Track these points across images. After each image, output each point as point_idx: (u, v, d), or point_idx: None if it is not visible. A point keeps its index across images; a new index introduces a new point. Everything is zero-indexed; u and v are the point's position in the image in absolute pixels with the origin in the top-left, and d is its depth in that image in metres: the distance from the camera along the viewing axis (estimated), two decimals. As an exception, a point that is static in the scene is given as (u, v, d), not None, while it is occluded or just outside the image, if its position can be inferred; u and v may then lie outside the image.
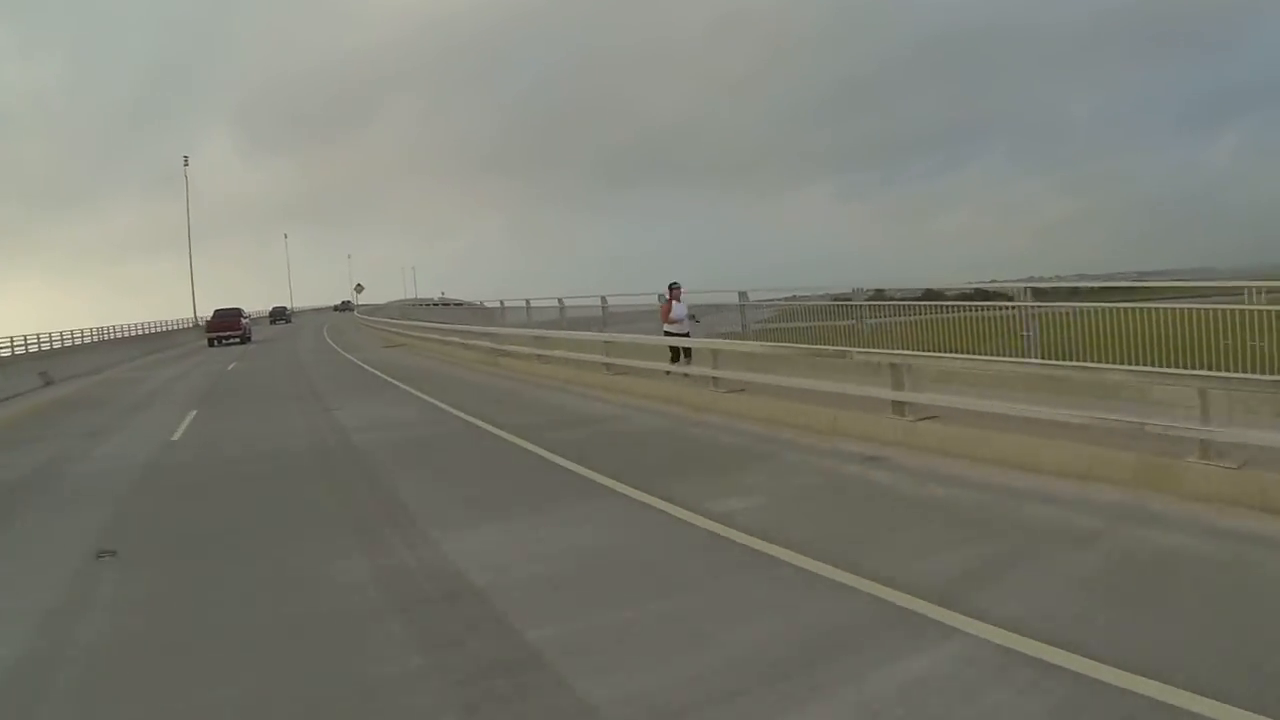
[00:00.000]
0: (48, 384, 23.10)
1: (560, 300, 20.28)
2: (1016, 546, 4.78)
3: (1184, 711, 2.94)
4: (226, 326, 39.73)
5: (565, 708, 3.24)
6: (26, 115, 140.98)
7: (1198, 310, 7.70)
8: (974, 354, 9.50)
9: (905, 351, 9.00)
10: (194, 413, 13.63)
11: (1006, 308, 11.73)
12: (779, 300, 15.72)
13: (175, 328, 49.03)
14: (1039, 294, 11.68)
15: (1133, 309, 8.89)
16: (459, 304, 36.79)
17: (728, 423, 9.63)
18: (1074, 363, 7.79)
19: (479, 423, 10.59)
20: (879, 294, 16.43)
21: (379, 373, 19.05)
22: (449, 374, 17.83)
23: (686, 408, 10.86)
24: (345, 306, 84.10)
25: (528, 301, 21.88)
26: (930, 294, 16.03)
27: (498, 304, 24.35)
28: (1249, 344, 7.33)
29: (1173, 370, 6.55)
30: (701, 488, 6.52)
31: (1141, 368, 7.01)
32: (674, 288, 13.13)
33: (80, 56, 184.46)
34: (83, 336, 34.13)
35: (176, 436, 11.12)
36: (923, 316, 13.56)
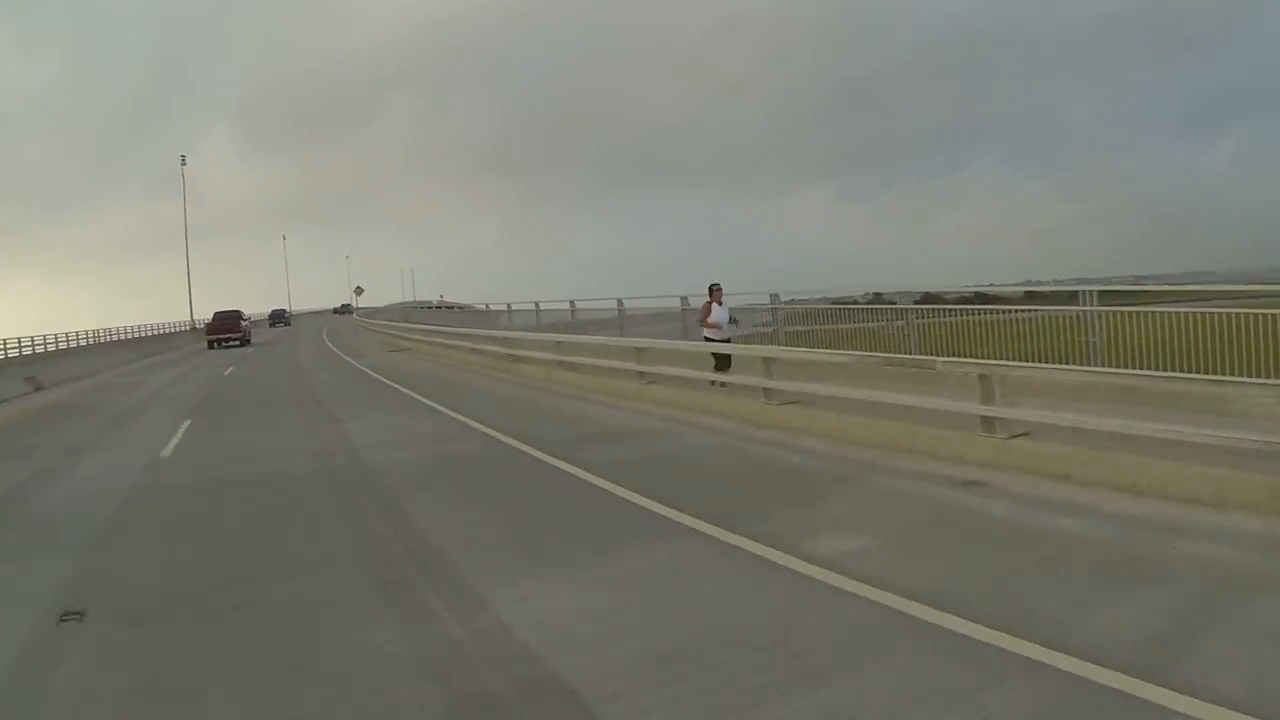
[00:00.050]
0: (37, 389, 21.96)
1: (572, 303, 19.30)
2: (1193, 596, 4.01)
3: None
4: (226, 329, 39.27)
5: None
6: (26, 114, 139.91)
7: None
8: (1037, 361, 8.75)
9: (997, 361, 8.10)
10: (188, 423, 12.50)
11: (1058, 312, 10.72)
12: (808, 302, 14.73)
13: (172, 330, 48.08)
14: (1104, 296, 10.72)
15: (1206, 313, 8.13)
16: (462, 308, 35.74)
17: (788, 439, 8.55)
18: (1203, 376, 6.84)
19: (505, 438, 9.46)
20: (930, 296, 15.46)
21: (385, 379, 17.90)
22: (461, 381, 16.69)
23: (736, 421, 9.75)
24: (345, 309, 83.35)
25: (536, 304, 20.99)
26: (982, 297, 15.03)
27: (504, 307, 23.34)
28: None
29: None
30: (790, 522, 5.55)
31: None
32: (715, 289, 12.01)
33: (79, 55, 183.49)
34: (78, 339, 33.35)
35: (167, 453, 9.96)
36: (964, 319, 12.67)
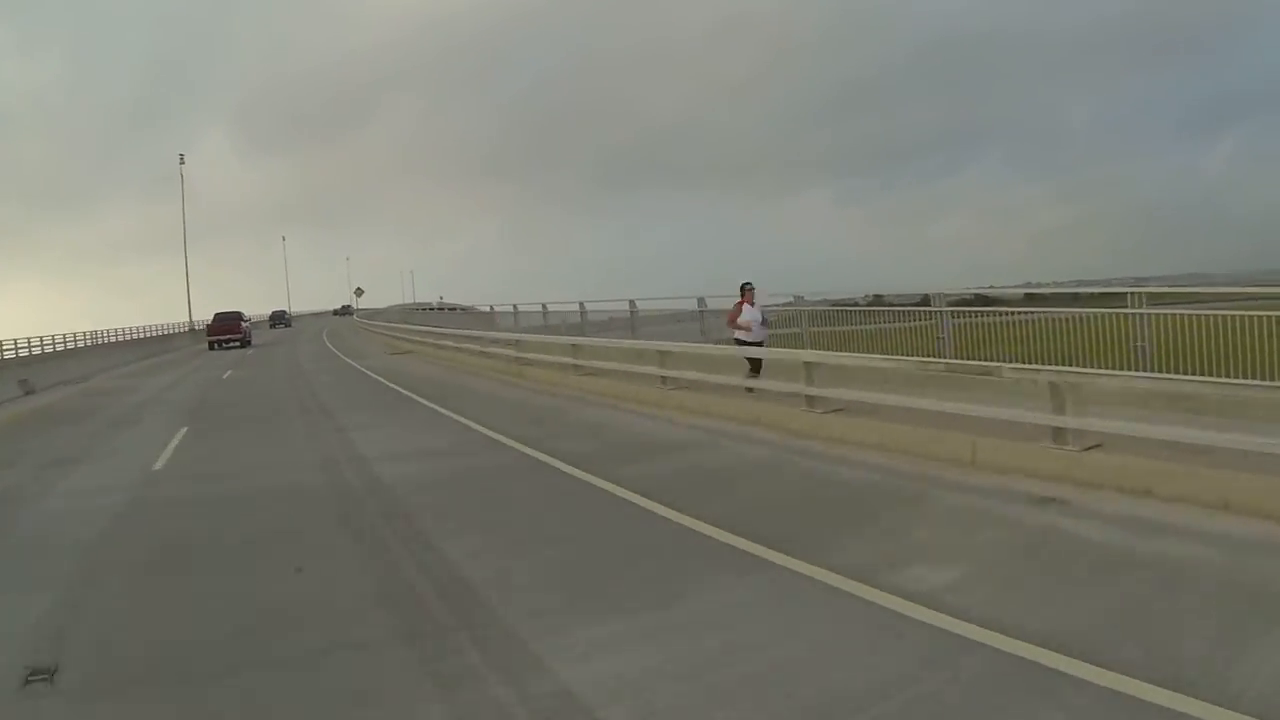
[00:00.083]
0: (28, 393, 21.18)
1: (581, 304, 18.63)
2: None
3: None
4: (227, 330, 39.37)
5: None
6: (25, 114, 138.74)
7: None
8: (1089, 365, 8.32)
9: (1071, 369, 7.49)
10: (183, 430, 11.73)
11: (1102, 314, 10.13)
12: (841, 303, 14.06)
13: (170, 331, 47.36)
14: (1154, 298, 10.15)
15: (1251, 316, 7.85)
16: (465, 309, 35.02)
17: (837, 451, 7.86)
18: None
19: (527, 450, 8.70)
20: (981, 297, 14.77)
21: (391, 384, 17.11)
22: (469, 386, 15.91)
23: (777, 431, 9.01)
24: (345, 310, 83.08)
25: (544, 306, 20.29)
26: (1032, 298, 14.34)
27: (509, 308, 22.62)
28: None
29: None
30: (869, 550, 4.94)
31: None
32: (747, 288, 11.24)
33: (79, 55, 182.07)
34: (75, 340, 32.64)
35: (159, 465, 9.16)
36: (993, 321, 12.07)
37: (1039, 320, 11.23)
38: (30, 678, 3.77)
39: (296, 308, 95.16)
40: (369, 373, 20.32)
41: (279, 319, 73.76)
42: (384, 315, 50.45)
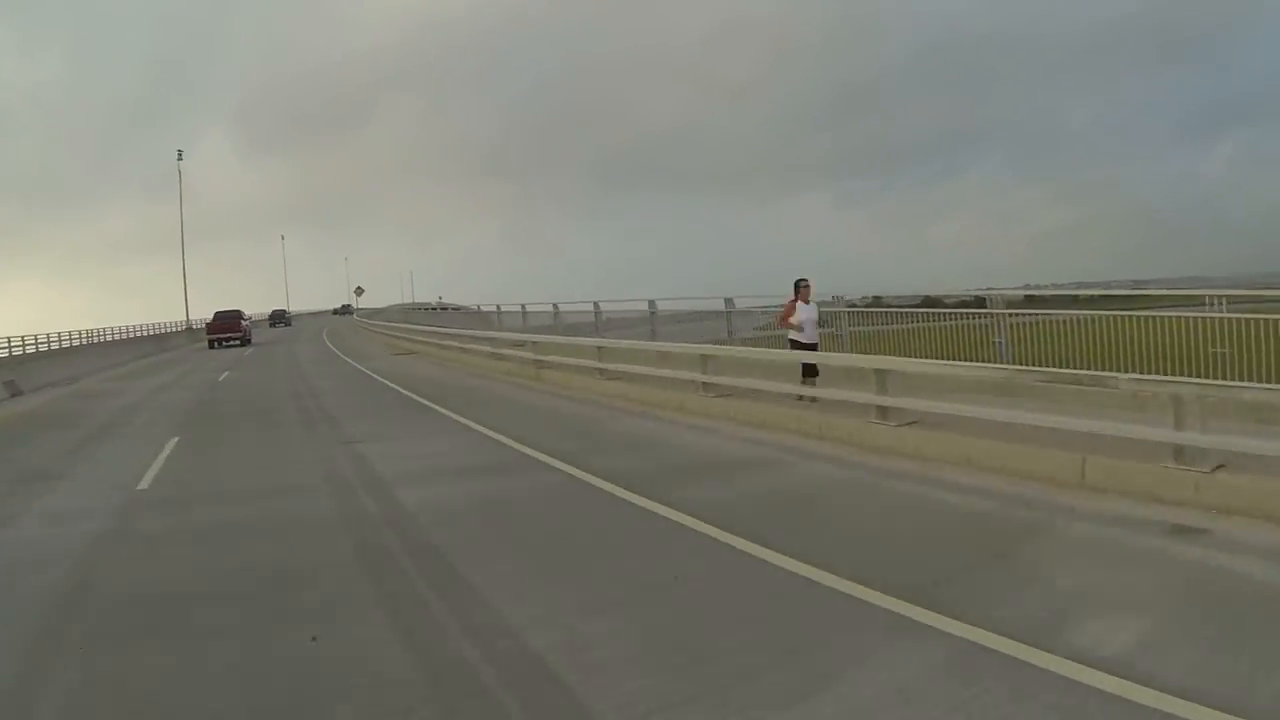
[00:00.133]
0: (14, 395, 20.07)
1: (596, 304, 17.76)
2: None
3: None
4: (227, 328, 39.10)
5: None
6: (25, 113, 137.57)
7: None
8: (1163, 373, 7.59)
9: (1195, 380, 6.73)
10: (174, 440, 10.61)
11: (1174, 317, 9.16)
12: (898, 305, 13.09)
13: (166, 330, 46.41)
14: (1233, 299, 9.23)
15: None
16: (469, 310, 34.02)
17: (925, 471, 6.89)
18: None
19: (571, 469, 7.57)
20: (1032, 299, 13.85)
21: (399, 388, 15.97)
22: (486, 390, 14.80)
23: (847, 446, 7.96)
24: (345, 310, 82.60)
25: (555, 306, 19.53)
26: (1083, 300, 13.35)
27: (518, 308, 21.67)
28: None
29: None
30: (1017, 599, 4.05)
31: None
32: (802, 285, 10.14)
33: (79, 55, 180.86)
34: (70, 339, 31.66)
35: (144, 484, 8.01)
36: (1046, 320, 11.15)
37: (1099, 321, 10.19)
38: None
39: (295, 308, 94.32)
40: (374, 375, 19.19)
41: (278, 318, 73.46)
42: (384, 315, 49.93)
